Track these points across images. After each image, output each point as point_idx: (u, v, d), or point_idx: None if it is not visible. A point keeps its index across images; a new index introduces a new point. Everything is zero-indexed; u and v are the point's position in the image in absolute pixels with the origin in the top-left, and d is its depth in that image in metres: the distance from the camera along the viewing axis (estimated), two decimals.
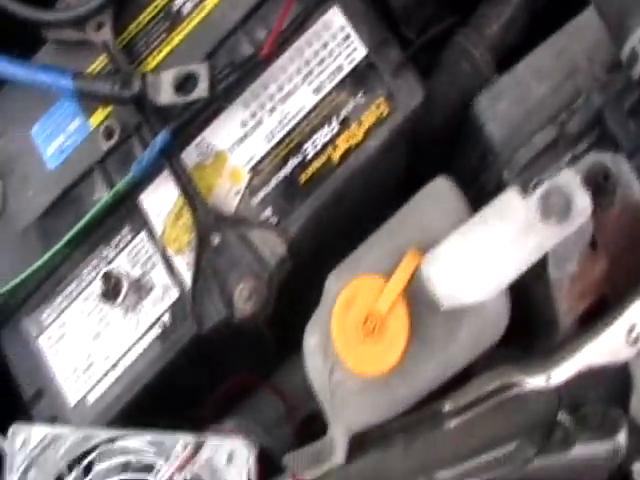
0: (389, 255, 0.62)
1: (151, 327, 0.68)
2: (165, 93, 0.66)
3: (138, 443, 0.62)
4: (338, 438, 0.63)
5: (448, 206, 0.64)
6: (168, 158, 0.67)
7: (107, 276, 0.67)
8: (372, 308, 0.60)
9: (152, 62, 0.70)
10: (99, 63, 0.71)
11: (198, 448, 0.61)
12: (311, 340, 0.64)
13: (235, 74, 0.67)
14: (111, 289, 0.67)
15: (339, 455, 0.63)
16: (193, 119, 0.68)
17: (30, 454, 0.64)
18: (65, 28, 0.70)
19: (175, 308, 0.68)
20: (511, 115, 0.69)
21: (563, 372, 0.59)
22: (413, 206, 0.65)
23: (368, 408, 0.63)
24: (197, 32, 0.70)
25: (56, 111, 0.71)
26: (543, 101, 0.68)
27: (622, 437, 0.62)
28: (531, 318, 0.65)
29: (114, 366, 0.69)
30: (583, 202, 0.55)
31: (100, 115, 0.70)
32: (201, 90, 0.66)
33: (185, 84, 0.67)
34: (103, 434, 0.64)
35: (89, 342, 0.69)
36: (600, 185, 0.60)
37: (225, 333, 0.68)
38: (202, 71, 0.66)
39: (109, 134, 0.69)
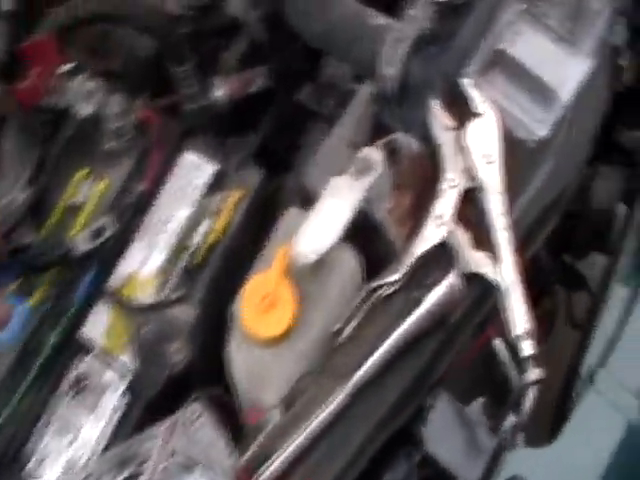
0: (268, 265, 0.81)
1: (113, 414, 0.84)
2: (83, 245, 0.89)
3: None
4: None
5: (299, 220, 0.84)
6: (100, 288, 0.88)
7: (77, 379, 0.83)
8: (265, 290, 0.78)
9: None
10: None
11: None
12: (232, 345, 0.81)
13: (129, 213, 0.90)
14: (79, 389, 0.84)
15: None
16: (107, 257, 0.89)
17: None
18: None
19: (129, 390, 0.84)
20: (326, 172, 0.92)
21: (404, 265, 0.78)
22: (276, 233, 0.86)
23: (285, 367, 0.79)
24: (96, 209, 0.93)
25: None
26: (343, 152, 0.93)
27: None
28: (379, 259, 0.83)
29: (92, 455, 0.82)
30: (377, 157, 0.82)
31: (38, 294, 0.89)
32: (109, 231, 0.90)
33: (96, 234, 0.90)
34: None
35: (67, 450, 0.83)
36: (390, 149, 0.82)
37: (172, 391, 0.82)
38: (106, 220, 0.90)
39: (49, 299, 0.89)
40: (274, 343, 0.78)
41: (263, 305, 0.78)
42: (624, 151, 1.13)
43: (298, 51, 1.10)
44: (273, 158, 1.04)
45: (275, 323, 0.78)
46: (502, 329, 0.79)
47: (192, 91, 1.02)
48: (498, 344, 0.84)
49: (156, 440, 0.73)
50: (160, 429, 0.74)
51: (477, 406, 0.86)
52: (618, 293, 0.99)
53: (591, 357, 0.92)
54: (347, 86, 1.09)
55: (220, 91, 1.04)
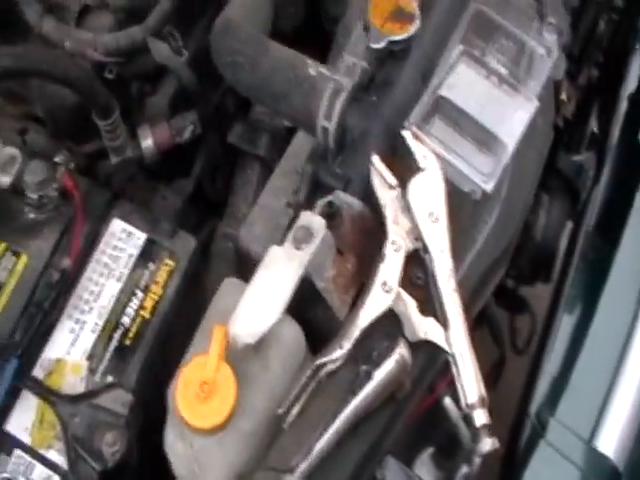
0: (205, 345, 0.75)
1: None
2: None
3: None
4: None
5: (237, 293, 0.79)
6: (22, 380, 0.80)
7: None
8: (203, 377, 0.72)
9: None
10: None
11: None
12: (169, 437, 0.74)
13: (54, 292, 0.84)
14: None
15: None
16: (30, 341, 0.82)
17: None
18: None
19: None
20: (266, 232, 0.89)
21: (349, 338, 0.73)
22: (212, 306, 0.79)
23: (229, 453, 0.72)
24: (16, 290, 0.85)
25: None
26: (280, 209, 0.89)
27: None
28: (321, 328, 0.77)
29: None
30: (319, 224, 0.75)
31: None
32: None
33: None
34: None
35: None
36: (331, 213, 0.77)
37: None
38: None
39: None
40: (215, 431, 0.73)
41: (202, 393, 0.72)
42: (564, 178, 1.10)
43: (227, 92, 1.06)
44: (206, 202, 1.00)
45: (216, 412, 0.71)
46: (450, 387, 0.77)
47: (118, 144, 0.97)
48: (448, 402, 0.81)
49: None
50: None
51: (426, 457, 0.83)
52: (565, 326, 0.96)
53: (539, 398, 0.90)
54: (278, 123, 1.04)
55: (148, 141, 0.98)
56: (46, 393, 0.80)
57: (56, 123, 1.00)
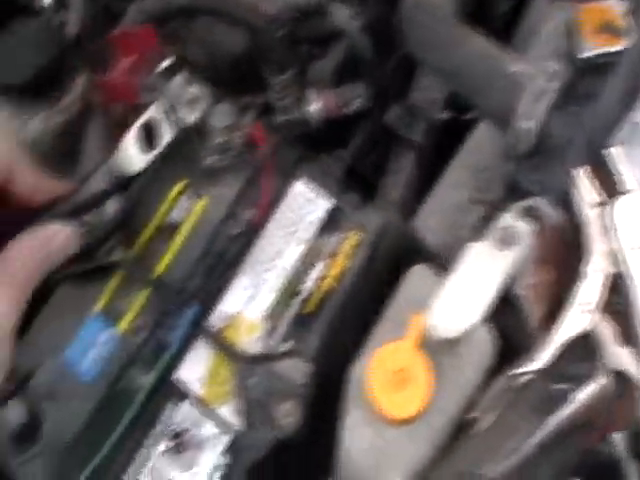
0: (396, 329, 0.75)
1: (213, 473, 0.76)
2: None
3: None
4: None
5: (428, 282, 0.78)
6: (200, 326, 0.80)
7: (176, 433, 0.76)
8: (397, 364, 0.72)
9: (159, 270, 0.83)
10: (114, 281, 0.83)
11: None
12: (352, 419, 0.74)
13: (237, 243, 0.82)
14: (174, 441, 0.75)
15: None
16: (210, 291, 0.81)
17: None
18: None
19: (230, 450, 0.76)
20: (443, 224, 0.87)
21: (546, 353, 0.73)
22: (401, 292, 0.79)
23: (419, 449, 0.73)
24: (193, 233, 0.84)
25: (84, 331, 0.81)
26: (461, 203, 0.86)
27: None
28: (510, 337, 0.77)
29: None
30: (524, 229, 0.74)
31: (126, 320, 0.81)
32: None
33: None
34: None
35: None
36: (532, 219, 0.76)
37: (278, 453, 0.76)
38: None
39: (142, 330, 0.80)
40: (407, 422, 0.72)
41: (395, 380, 0.72)
42: None
43: (394, 69, 1.03)
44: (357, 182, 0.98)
45: (409, 403, 0.71)
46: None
47: (286, 103, 0.94)
48: (617, 439, 0.81)
49: None
50: None
51: None
52: None
53: None
54: (437, 114, 1.02)
55: (315, 105, 0.96)
56: (223, 346, 0.78)
57: (217, 71, 0.97)
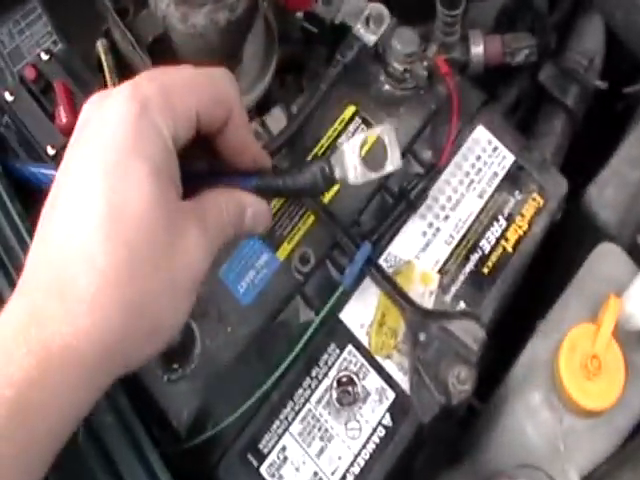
0: (583, 309, 0.73)
1: (374, 432, 0.71)
2: (355, 172, 0.59)
3: None
4: None
5: (620, 263, 0.75)
6: (371, 268, 0.73)
7: (340, 380, 0.71)
8: (592, 350, 0.69)
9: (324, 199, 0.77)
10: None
11: None
12: (533, 398, 0.72)
13: (421, 183, 0.76)
14: (335, 388, 0.71)
15: None
16: (384, 230, 0.75)
17: None
18: None
19: (394, 409, 0.72)
20: (618, 201, 0.83)
21: None
22: (588, 269, 0.76)
23: (597, 444, 0.71)
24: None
25: (242, 252, 0.75)
26: (636, 179, 0.83)
27: None
28: None
29: (343, 478, 0.70)
30: None
31: (287, 248, 0.75)
32: (394, 161, 0.59)
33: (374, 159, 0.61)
34: None
35: (314, 460, 0.70)
36: None
37: (442, 420, 0.72)
38: (387, 137, 0.59)
39: (305, 261, 0.74)
40: (593, 415, 0.70)
41: (589, 368, 0.69)
42: None
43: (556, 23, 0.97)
44: None
45: (601, 394, 0.69)
46: None
47: (451, 40, 0.88)
48: None
49: None
50: None
51: None
52: None
53: None
54: (590, 78, 0.96)
55: (479, 49, 0.90)
56: (397, 293, 0.73)
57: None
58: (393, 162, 0.59)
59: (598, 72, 0.96)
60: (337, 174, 0.60)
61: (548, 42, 0.93)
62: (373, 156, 0.60)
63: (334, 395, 0.71)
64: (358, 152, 0.59)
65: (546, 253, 0.80)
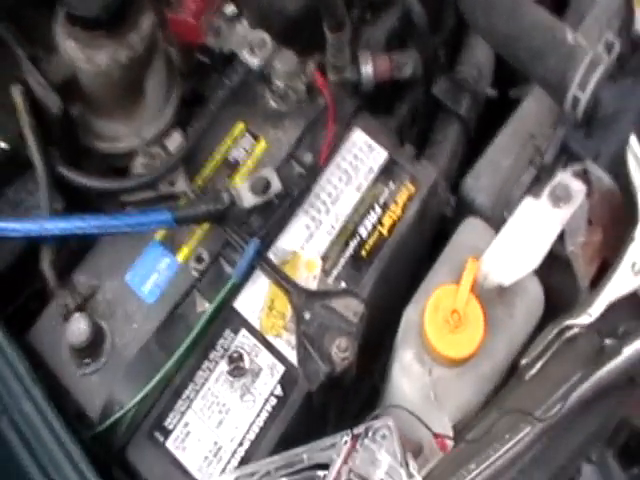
0: (450, 274, 0.81)
1: (266, 401, 0.80)
2: (247, 199, 0.82)
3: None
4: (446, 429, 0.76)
5: (482, 232, 0.83)
6: (260, 260, 0.83)
7: (232, 357, 0.80)
8: (452, 306, 0.77)
9: None
10: None
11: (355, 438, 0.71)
12: (406, 356, 0.80)
13: (300, 183, 0.86)
14: (231, 367, 0.80)
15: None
16: (270, 227, 0.84)
17: None
18: (141, 191, 0.85)
19: (284, 380, 0.80)
20: (491, 186, 0.91)
21: (596, 309, 0.77)
22: (455, 240, 0.84)
23: (465, 390, 0.79)
24: (254, 170, 0.88)
25: (144, 258, 0.84)
26: (511, 167, 0.92)
27: None
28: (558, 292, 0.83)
29: (240, 444, 0.78)
30: (579, 187, 0.80)
31: (185, 251, 0.84)
32: (275, 188, 0.82)
33: (261, 187, 0.83)
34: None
35: (213, 431, 0.78)
36: (584, 181, 0.81)
37: (328, 387, 0.80)
38: (271, 174, 0.83)
39: (200, 260, 0.83)
40: (457, 364, 0.77)
41: (450, 322, 0.76)
42: None
43: (444, 41, 1.06)
44: None
45: (462, 345, 0.76)
46: None
47: (340, 63, 0.97)
48: None
49: (333, 454, 0.71)
50: (341, 444, 0.71)
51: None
52: None
53: None
54: (481, 88, 1.05)
55: (368, 68, 0.98)
56: (282, 279, 0.82)
57: (269, 28, 0.95)
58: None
59: (488, 81, 1.05)
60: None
61: (436, 57, 1.02)
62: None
63: (231, 372, 0.80)
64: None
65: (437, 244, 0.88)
